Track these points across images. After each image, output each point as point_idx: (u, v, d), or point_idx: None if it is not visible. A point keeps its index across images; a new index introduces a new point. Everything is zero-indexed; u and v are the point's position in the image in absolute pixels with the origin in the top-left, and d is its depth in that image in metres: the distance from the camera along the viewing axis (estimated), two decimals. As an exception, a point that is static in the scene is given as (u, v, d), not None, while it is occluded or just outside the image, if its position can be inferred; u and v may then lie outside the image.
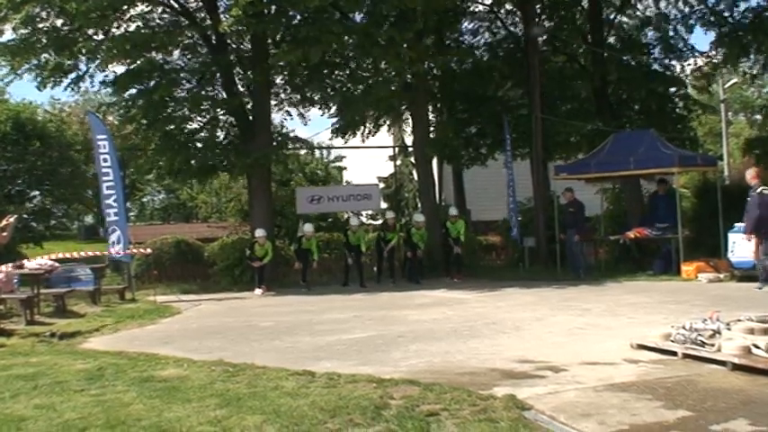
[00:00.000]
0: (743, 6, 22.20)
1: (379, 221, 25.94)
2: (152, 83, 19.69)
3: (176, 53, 20.78)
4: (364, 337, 9.77)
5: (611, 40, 24.90)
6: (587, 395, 6.19)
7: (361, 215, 21.26)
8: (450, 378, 6.91)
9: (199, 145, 20.78)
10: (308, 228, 19.13)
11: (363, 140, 26.60)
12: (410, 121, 23.94)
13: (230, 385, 6.91)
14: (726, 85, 36.73)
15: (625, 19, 25.45)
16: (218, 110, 20.75)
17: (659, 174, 18.57)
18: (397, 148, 29.84)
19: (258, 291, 17.56)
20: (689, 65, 25.75)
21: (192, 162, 20.54)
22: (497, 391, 6.31)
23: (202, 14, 20.17)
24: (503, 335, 9.49)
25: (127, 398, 6.61)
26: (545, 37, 24.20)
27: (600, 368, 7.21)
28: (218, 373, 7.51)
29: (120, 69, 20.27)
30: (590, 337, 9.00)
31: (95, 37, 19.13)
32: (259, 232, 18.42)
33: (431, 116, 24.22)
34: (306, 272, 18.60)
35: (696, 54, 24.92)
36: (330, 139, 25.80)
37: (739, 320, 8.12)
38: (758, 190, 13.97)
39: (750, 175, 14.51)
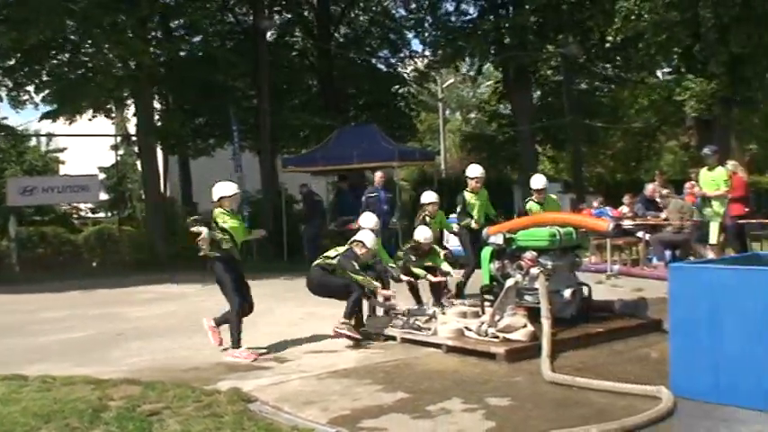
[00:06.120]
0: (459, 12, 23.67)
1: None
2: None
3: None
4: (83, 336, 9.32)
5: (340, 37, 25.59)
6: (311, 383, 6.38)
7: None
8: (174, 375, 6.80)
9: None
10: None
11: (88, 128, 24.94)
12: (133, 108, 22.89)
13: (-72, 395, 6.25)
14: (444, 85, 39.23)
15: (353, 15, 26.29)
16: None
17: (380, 167, 19.35)
18: (119, 137, 28.48)
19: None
20: (411, 65, 27.20)
21: None
22: (222, 385, 6.32)
23: None
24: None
25: None
26: (275, 30, 24.32)
27: (323, 356, 7.46)
28: None
29: None
30: (314, 326, 9.21)
31: None
32: None
33: (156, 104, 23.34)
34: None
35: (416, 55, 26.43)
36: (39, 121, 23.56)
37: (453, 305, 8.76)
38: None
39: (377, 176, 16.43)
